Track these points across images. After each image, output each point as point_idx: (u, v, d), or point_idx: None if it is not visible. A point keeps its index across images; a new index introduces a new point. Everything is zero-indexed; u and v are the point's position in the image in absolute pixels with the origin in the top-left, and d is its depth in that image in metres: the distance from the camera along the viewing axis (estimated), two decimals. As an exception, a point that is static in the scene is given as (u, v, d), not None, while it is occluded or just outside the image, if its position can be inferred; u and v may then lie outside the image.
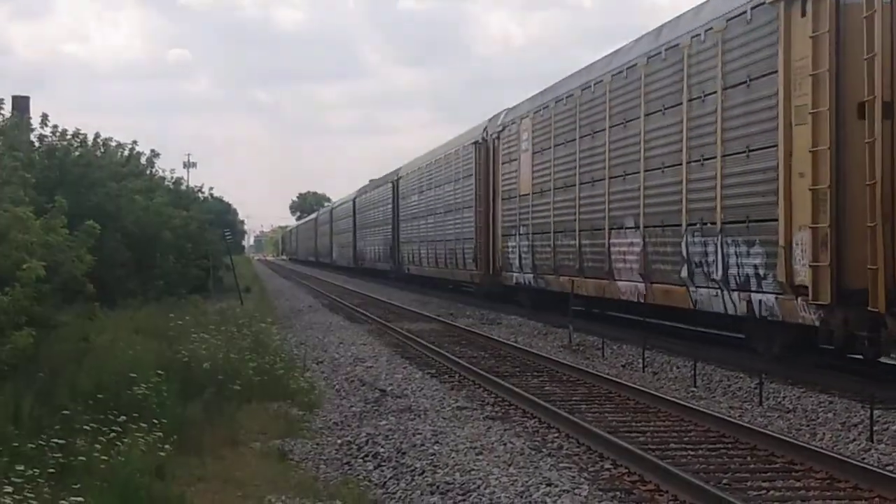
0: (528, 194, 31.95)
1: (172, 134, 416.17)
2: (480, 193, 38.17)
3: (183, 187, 52.50)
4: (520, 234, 33.09)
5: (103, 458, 9.83)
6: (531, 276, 32.12)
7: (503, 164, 35.18)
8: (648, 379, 18.87)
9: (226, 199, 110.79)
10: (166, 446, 10.63)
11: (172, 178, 49.66)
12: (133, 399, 12.42)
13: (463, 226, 40.85)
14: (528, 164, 32.15)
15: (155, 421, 11.50)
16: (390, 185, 58.10)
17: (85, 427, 10.79)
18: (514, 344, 24.26)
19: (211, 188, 65.96)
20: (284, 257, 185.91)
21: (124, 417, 11.30)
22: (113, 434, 10.66)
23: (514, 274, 33.96)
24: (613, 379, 17.90)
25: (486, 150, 37.80)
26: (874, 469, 10.69)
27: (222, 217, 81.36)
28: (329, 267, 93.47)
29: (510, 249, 34.40)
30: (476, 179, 38.60)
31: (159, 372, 13.83)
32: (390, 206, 57.43)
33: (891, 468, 11.22)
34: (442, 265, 45.07)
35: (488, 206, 37.46)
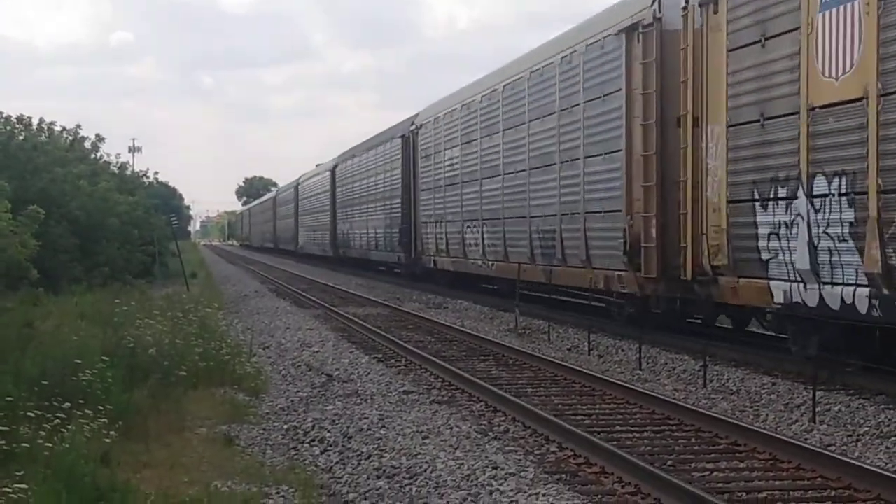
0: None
1: (117, 118, 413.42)
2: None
3: (128, 172, 52.25)
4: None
5: (47, 444, 9.76)
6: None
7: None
8: (594, 362, 18.98)
9: (171, 183, 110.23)
10: (111, 433, 10.58)
11: (117, 162, 49.46)
12: (78, 385, 12.33)
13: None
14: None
15: (100, 407, 11.42)
16: (399, 139, 43.14)
17: (29, 414, 10.72)
18: (461, 328, 24.32)
19: (156, 173, 65.46)
20: (233, 243, 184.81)
21: (69, 404, 11.22)
22: (57, 421, 10.59)
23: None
24: (559, 362, 17.99)
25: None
26: (816, 449, 10.82)
27: (168, 202, 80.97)
28: (293, 256, 79.76)
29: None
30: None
31: (104, 358, 13.76)
32: (398, 171, 43.21)
33: (832, 448, 11.36)
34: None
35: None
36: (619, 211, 21.44)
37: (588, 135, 23.19)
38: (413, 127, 40.95)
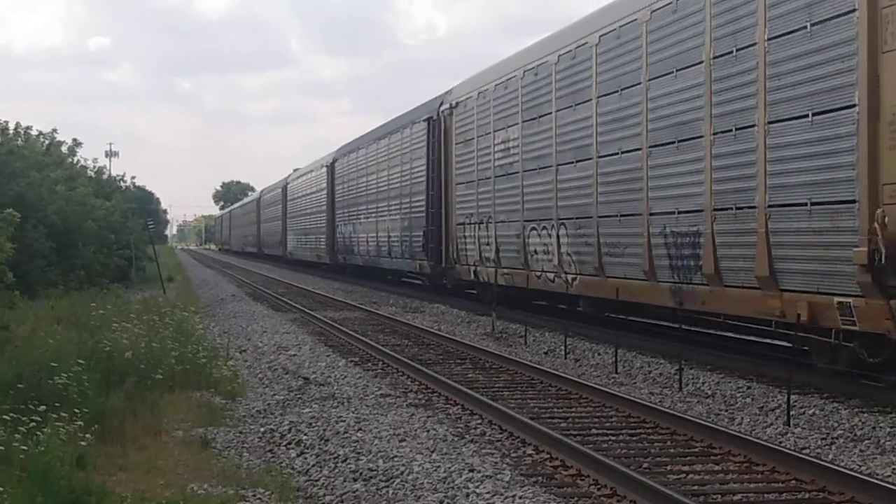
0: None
1: (94, 123, 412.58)
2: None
3: (105, 176, 52.14)
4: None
5: (23, 447, 9.72)
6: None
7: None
8: (570, 366, 19.01)
9: (148, 188, 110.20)
10: (87, 436, 10.54)
11: (94, 167, 49.38)
12: (54, 388, 12.28)
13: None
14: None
15: (76, 410, 11.40)
16: (424, 123, 35.68)
17: (4, 416, 10.67)
18: (438, 332, 24.32)
19: (133, 177, 65.57)
20: (210, 247, 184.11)
21: (45, 407, 11.17)
22: (33, 423, 10.54)
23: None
24: (536, 366, 18.01)
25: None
26: (791, 452, 10.86)
27: (145, 206, 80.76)
28: (281, 262, 73.77)
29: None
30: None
31: (80, 361, 13.71)
32: (422, 161, 35.86)
33: (807, 451, 11.42)
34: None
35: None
36: (852, 202, 14.00)
37: (775, 87, 15.57)
38: (444, 107, 32.84)
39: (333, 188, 53.34)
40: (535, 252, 25.28)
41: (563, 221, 23.48)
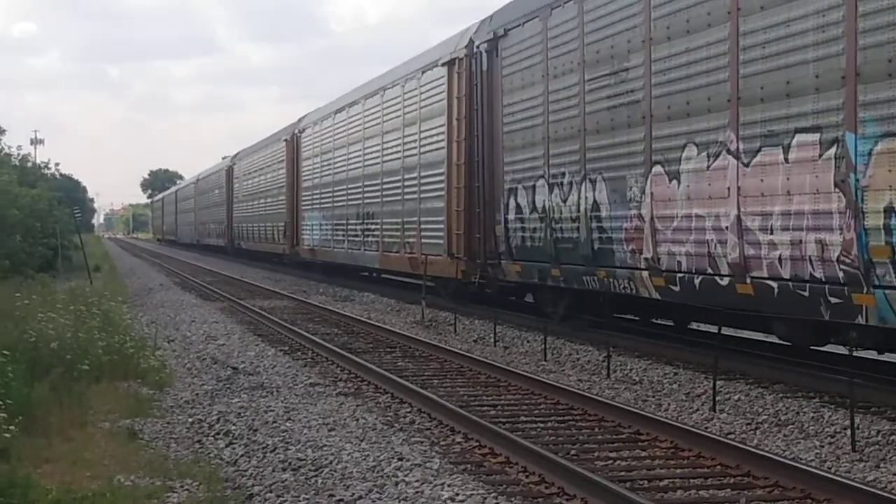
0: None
1: (19, 109, 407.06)
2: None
3: (30, 164, 51.48)
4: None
5: (-54, 440, 9.63)
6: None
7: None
8: (500, 353, 19.09)
9: (75, 176, 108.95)
10: (12, 427, 10.44)
11: (19, 155, 48.73)
12: (-24, 380, 12.16)
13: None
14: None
15: (0, 402, 11.29)
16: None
17: (-74, 409, 10.56)
18: (367, 320, 24.30)
19: (57, 164, 64.50)
20: (137, 237, 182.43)
21: (-32, 399, 11.07)
22: (-44, 416, 10.44)
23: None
24: (465, 354, 18.06)
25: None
26: (716, 437, 10.98)
27: (71, 195, 79.88)
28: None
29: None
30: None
31: (5, 352, 13.54)
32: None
33: (732, 436, 11.55)
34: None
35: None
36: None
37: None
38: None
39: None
40: None
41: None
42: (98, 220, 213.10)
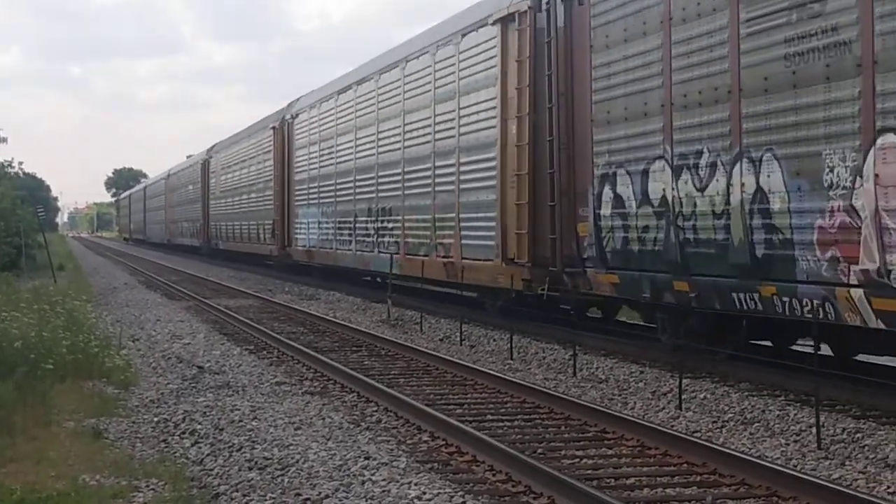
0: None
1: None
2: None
3: (-8, 163, 51.18)
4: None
5: None
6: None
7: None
8: (466, 352, 19.09)
9: (38, 175, 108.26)
10: (-25, 427, 10.38)
11: (-19, 153, 48.40)
12: (-60, 380, 12.07)
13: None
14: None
15: (-37, 402, 11.21)
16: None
17: None
18: (333, 319, 24.27)
19: (21, 163, 64.09)
20: (102, 235, 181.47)
21: (-69, 398, 10.99)
22: (-81, 416, 10.36)
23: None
24: (431, 352, 18.06)
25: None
26: (683, 436, 11.02)
27: (34, 194, 79.47)
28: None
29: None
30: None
31: (-33, 352, 13.47)
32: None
33: (698, 434, 11.59)
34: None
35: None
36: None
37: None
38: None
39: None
40: None
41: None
42: (62, 218, 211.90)
